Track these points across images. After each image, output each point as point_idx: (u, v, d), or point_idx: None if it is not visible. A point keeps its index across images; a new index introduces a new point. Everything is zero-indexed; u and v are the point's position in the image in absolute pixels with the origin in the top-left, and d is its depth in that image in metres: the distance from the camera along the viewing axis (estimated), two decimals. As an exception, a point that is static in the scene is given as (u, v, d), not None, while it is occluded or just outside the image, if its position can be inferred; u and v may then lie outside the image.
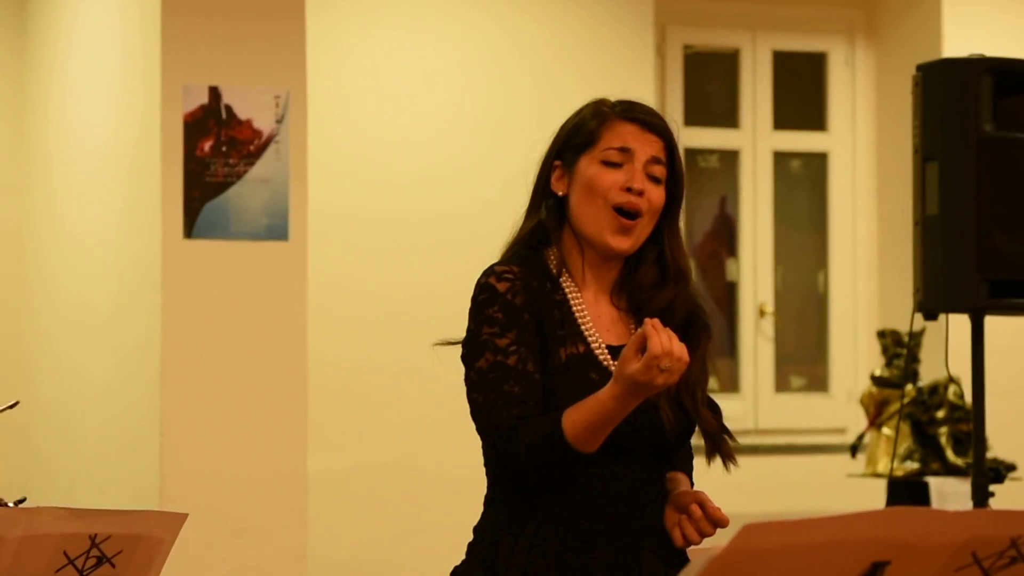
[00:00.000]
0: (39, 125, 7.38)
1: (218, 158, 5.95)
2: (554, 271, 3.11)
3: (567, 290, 3.10)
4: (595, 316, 3.11)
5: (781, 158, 8.75)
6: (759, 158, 8.68)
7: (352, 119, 7.69)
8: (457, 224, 7.31)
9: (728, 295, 8.73)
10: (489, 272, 3.08)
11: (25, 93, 7.51)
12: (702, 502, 3.02)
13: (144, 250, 6.09)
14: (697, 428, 3.13)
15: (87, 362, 6.74)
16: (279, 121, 6.02)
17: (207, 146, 5.95)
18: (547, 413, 2.98)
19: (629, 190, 3.07)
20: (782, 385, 8.70)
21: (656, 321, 2.85)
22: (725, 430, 3.13)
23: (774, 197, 8.69)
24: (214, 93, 5.96)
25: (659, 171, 3.11)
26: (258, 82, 6.00)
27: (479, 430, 3.05)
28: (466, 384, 3.07)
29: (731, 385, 8.60)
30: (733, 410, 8.37)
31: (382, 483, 7.30)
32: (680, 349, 2.84)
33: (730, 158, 8.70)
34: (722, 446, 3.12)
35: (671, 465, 3.15)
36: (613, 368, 2.98)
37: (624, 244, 3.08)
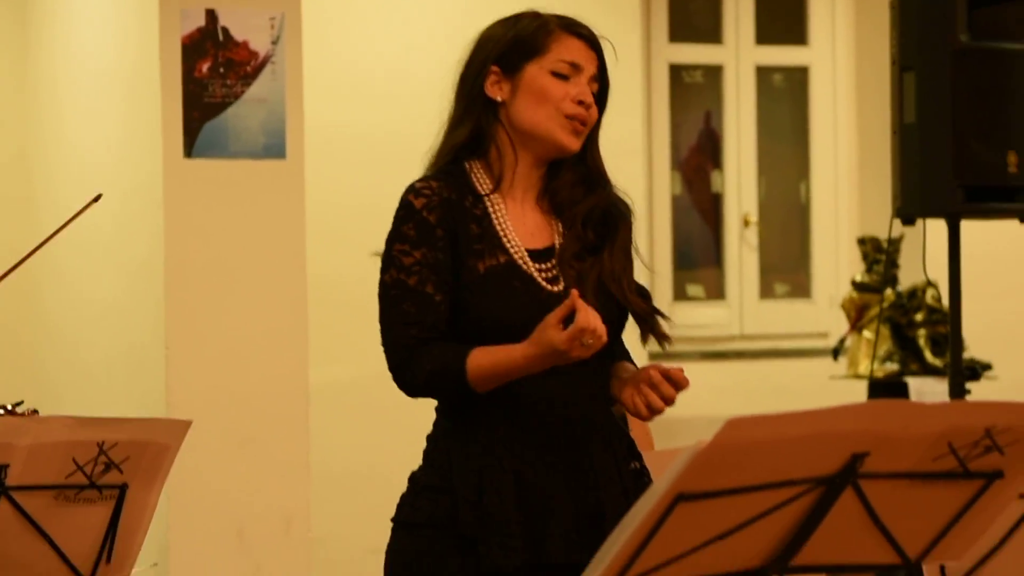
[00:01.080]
0: (43, 51, 7.35)
1: (216, 79, 5.93)
2: (476, 183, 3.11)
3: (491, 202, 3.10)
4: (520, 223, 3.10)
5: (763, 72, 8.74)
6: (742, 73, 8.67)
7: (346, 39, 7.67)
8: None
9: (713, 206, 8.73)
10: (409, 189, 3.10)
11: (28, 21, 7.47)
12: (660, 368, 3.01)
13: (146, 170, 6.08)
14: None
15: (93, 280, 6.74)
16: (275, 42, 6.00)
17: (205, 68, 5.93)
18: (454, 346, 3.00)
19: (580, 103, 3.09)
20: (766, 292, 8.71)
21: (576, 293, 2.89)
22: (656, 311, 3.13)
23: (757, 111, 8.69)
24: (211, 16, 5.93)
25: (595, 87, 3.14)
26: (254, 4, 5.97)
27: (382, 342, 3.08)
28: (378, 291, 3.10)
29: (717, 293, 8.60)
30: (719, 317, 8.39)
31: (381, 393, 7.30)
32: (601, 329, 2.87)
33: (714, 73, 8.69)
34: (654, 326, 3.12)
35: (612, 359, 3.13)
36: (535, 275, 3.01)
37: (576, 144, 3.10)
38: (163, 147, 5.91)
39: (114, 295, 6.49)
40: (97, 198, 3.52)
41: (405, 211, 3.07)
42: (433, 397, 3.08)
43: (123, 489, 3.15)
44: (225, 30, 5.94)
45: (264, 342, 6.02)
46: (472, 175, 3.12)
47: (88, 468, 3.10)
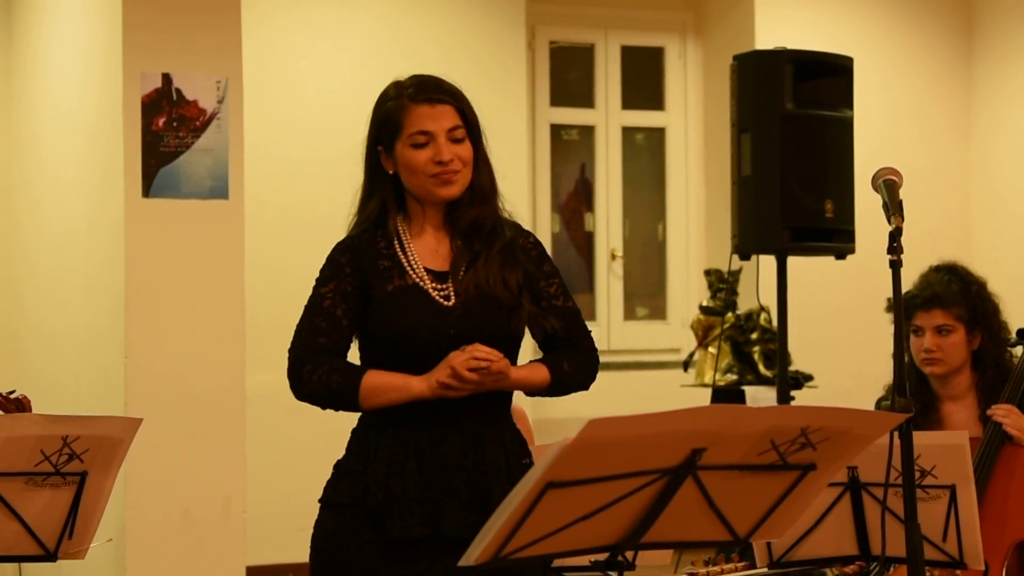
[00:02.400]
0: (26, 101, 7.26)
1: (170, 132, 5.89)
2: (393, 231, 3.09)
3: (401, 241, 3.08)
4: (425, 251, 3.09)
5: (628, 132, 8.78)
6: (611, 132, 8.70)
7: (281, 98, 7.64)
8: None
9: (587, 242, 8.76)
10: (332, 249, 3.12)
11: (12, 77, 7.38)
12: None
13: (110, 205, 6.02)
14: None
15: (66, 292, 6.66)
16: (220, 101, 5.96)
17: (161, 122, 5.88)
18: (353, 364, 3.02)
19: (440, 163, 3.04)
20: (629, 314, 8.74)
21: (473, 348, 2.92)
22: (541, 314, 3.08)
23: (623, 163, 8.73)
24: (166, 78, 5.88)
25: (459, 132, 3.07)
26: (203, 69, 5.93)
27: (290, 347, 3.07)
28: None
29: (589, 315, 8.61)
30: (585, 324, 8.41)
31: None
32: (460, 372, 2.91)
33: (587, 132, 8.72)
34: (541, 323, 3.09)
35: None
36: (432, 292, 3.02)
37: (452, 191, 3.08)
38: (124, 187, 5.86)
39: (82, 305, 6.41)
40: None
41: (326, 261, 3.12)
42: (319, 401, 3.05)
43: (83, 476, 3.10)
44: (179, 91, 5.90)
45: (208, 351, 5.97)
46: (391, 225, 3.11)
47: (54, 458, 3.06)
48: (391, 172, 3.11)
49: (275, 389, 7.27)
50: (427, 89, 3.09)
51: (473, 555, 2.44)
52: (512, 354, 3.06)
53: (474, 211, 3.09)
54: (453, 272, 3.06)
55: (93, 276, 6.26)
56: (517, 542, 2.42)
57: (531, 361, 3.10)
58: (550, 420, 7.23)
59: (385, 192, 3.11)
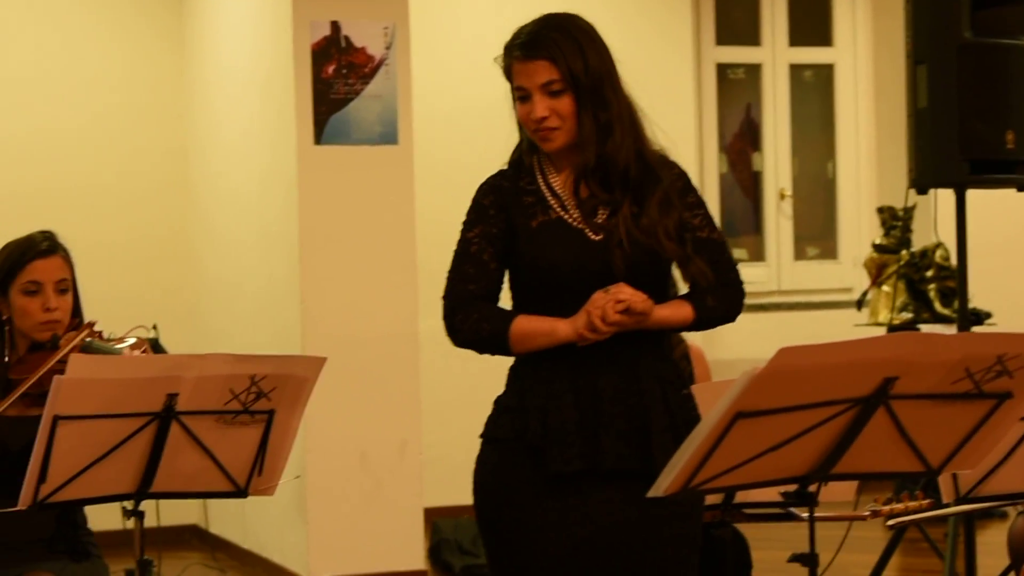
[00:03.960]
0: (196, 58, 7.38)
1: (339, 79, 5.94)
2: (535, 167, 3.10)
3: (545, 176, 3.09)
4: (566, 188, 3.08)
5: (795, 69, 8.67)
6: (778, 70, 8.60)
7: (448, 43, 7.66)
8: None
9: (753, 183, 8.68)
10: (477, 189, 3.13)
11: (184, 33, 7.51)
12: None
13: (282, 154, 6.11)
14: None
15: (240, 245, 6.77)
16: (388, 47, 6.00)
17: (330, 70, 5.93)
18: (503, 309, 3.03)
19: (536, 121, 3.03)
20: (800, 254, 8.66)
21: (618, 289, 2.91)
22: (690, 258, 3.03)
23: (791, 101, 8.63)
24: (335, 27, 5.94)
25: (556, 86, 3.02)
26: (370, 16, 5.98)
27: (443, 296, 3.10)
28: None
29: (758, 256, 8.56)
30: (759, 276, 8.34)
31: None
32: (608, 314, 2.88)
33: (754, 71, 8.63)
34: (689, 267, 3.04)
35: (664, 299, 3.06)
36: (574, 224, 3.01)
37: (550, 146, 3.06)
38: (296, 136, 5.94)
39: (257, 256, 6.52)
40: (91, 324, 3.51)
41: (472, 202, 3.14)
42: (474, 347, 3.06)
43: (271, 414, 3.14)
44: (347, 38, 5.95)
45: (381, 296, 6.04)
46: (534, 161, 3.12)
47: (242, 397, 3.10)
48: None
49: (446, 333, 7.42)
50: (520, 46, 3.07)
51: (662, 486, 2.44)
52: (657, 291, 3.02)
53: (597, 153, 3.04)
54: (592, 209, 3.04)
55: (268, 227, 6.36)
56: (706, 473, 2.42)
57: (675, 297, 3.08)
58: (720, 361, 7.18)
59: (524, 134, 3.14)
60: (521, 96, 3.05)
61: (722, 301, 3.07)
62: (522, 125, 3.08)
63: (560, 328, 2.95)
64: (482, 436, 3.10)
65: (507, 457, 3.02)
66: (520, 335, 2.99)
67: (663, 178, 3.05)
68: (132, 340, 3.58)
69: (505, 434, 3.04)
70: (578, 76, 3.02)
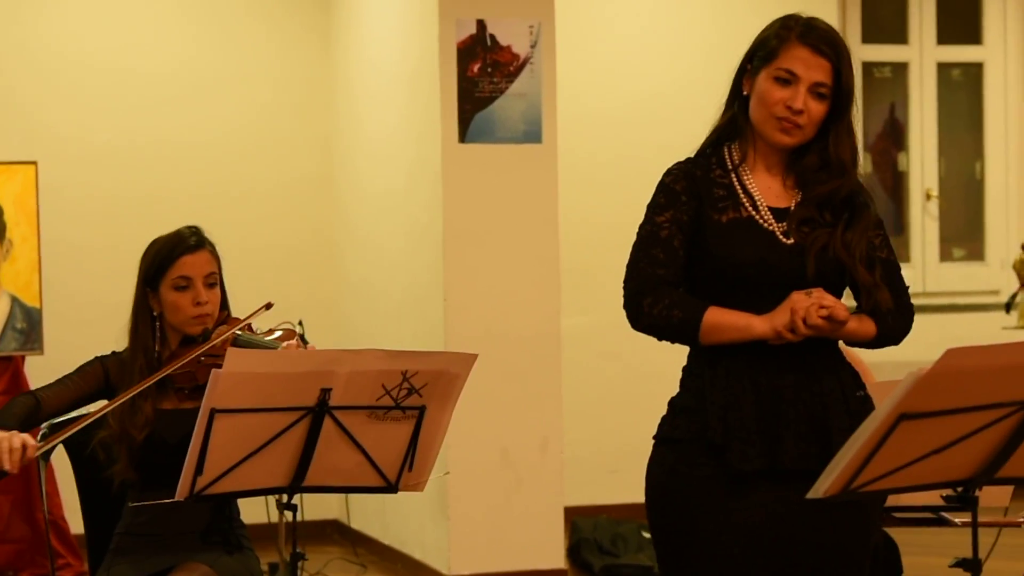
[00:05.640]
0: (341, 55, 7.44)
1: (484, 77, 5.96)
2: (727, 159, 3.08)
3: (739, 173, 3.07)
4: (764, 188, 3.06)
5: (943, 68, 8.54)
6: (925, 69, 8.48)
7: (593, 42, 7.64)
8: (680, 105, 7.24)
9: (896, 183, 8.57)
10: (665, 173, 3.10)
11: (330, 31, 7.58)
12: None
13: (427, 152, 6.14)
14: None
15: (384, 241, 6.82)
16: (533, 46, 6.00)
17: (475, 68, 5.95)
18: (694, 298, 3.00)
19: (790, 108, 2.99)
20: (945, 255, 8.54)
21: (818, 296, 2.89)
22: (878, 286, 3.02)
23: (938, 100, 8.50)
24: (481, 25, 5.96)
25: (824, 89, 3.00)
26: (516, 14, 5.98)
27: (625, 279, 3.06)
28: None
29: (902, 257, 8.41)
30: (904, 277, 8.22)
31: (619, 338, 7.30)
32: (810, 318, 2.86)
33: (901, 69, 8.52)
34: (875, 294, 3.01)
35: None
36: (771, 227, 2.99)
37: (786, 140, 3.03)
38: (441, 134, 5.96)
39: (401, 254, 6.56)
40: (268, 306, 3.51)
41: (659, 186, 3.10)
42: (657, 333, 3.03)
43: (422, 410, 3.16)
44: (492, 37, 5.96)
45: (524, 294, 6.04)
46: (726, 153, 3.10)
47: (394, 392, 3.11)
48: (745, 93, 3.08)
49: (588, 332, 7.43)
50: (816, 36, 3.02)
51: (822, 487, 2.41)
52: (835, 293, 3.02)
53: (834, 184, 3.03)
54: (792, 216, 3.02)
55: (412, 225, 6.40)
56: (867, 475, 2.38)
57: (857, 313, 3.05)
58: (869, 363, 7.09)
59: (735, 110, 3.10)
60: (784, 79, 3.00)
61: (899, 323, 3.07)
62: (763, 103, 3.02)
63: (756, 324, 2.94)
64: (655, 437, 3.09)
65: (684, 457, 3.01)
66: (711, 327, 2.97)
67: (870, 204, 3.06)
68: (280, 332, 3.62)
69: (682, 435, 3.02)
70: (844, 91, 3.02)
